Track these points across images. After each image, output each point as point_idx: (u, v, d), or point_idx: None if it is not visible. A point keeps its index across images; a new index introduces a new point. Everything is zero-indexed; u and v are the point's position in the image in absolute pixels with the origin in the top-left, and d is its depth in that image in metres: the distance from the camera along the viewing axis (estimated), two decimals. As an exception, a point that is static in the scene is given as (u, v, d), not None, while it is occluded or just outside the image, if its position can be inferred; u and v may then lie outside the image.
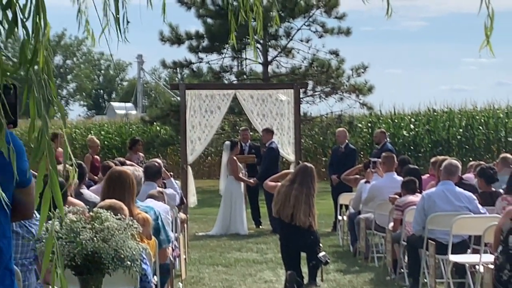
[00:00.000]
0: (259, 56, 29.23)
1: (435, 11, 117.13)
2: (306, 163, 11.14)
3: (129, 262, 4.52)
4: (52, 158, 2.77)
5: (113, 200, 5.85)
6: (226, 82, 29.08)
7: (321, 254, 10.27)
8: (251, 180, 16.43)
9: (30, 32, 2.75)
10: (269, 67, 29.70)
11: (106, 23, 3.40)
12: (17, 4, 2.68)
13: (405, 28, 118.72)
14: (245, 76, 29.97)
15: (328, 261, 10.45)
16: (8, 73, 2.85)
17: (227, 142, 16.81)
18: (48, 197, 2.77)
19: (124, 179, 6.62)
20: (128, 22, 3.41)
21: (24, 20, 2.74)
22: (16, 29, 2.74)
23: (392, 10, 3.99)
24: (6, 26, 2.73)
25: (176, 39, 29.16)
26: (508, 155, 13.14)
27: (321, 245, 10.49)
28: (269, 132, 16.76)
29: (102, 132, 37.94)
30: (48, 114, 2.83)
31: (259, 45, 28.80)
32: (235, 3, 4.58)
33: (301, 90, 20.07)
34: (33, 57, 2.77)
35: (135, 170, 7.64)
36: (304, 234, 10.14)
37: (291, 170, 12.83)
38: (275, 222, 16.02)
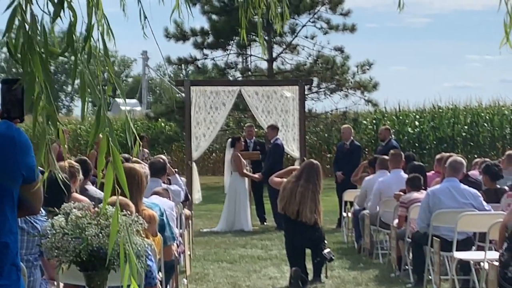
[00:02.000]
0: (264, 52, 29.22)
1: (439, 8, 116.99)
2: (312, 159, 11.13)
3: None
4: (113, 136, 2.77)
5: (119, 197, 5.86)
6: (231, 78, 29.07)
7: (326, 251, 10.27)
8: (256, 175, 16.44)
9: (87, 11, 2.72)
10: (274, 64, 29.69)
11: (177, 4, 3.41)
12: None
13: (409, 25, 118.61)
14: (250, 73, 29.97)
15: (333, 258, 10.45)
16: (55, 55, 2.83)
17: (229, 140, 16.84)
18: (111, 175, 2.76)
19: (133, 176, 6.64)
20: (145, 17, 3.41)
21: (70, 1, 2.71)
22: (62, 12, 2.72)
23: (403, 4, 3.99)
24: (52, 9, 2.71)
25: (181, 35, 29.16)
26: (513, 152, 13.12)
27: (326, 242, 10.49)
28: (274, 128, 16.77)
29: (107, 129, 37.86)
30: (105, 93, 2.82)
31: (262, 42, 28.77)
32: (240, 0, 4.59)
33: (306, 87, 20.08)
34: (87, 34, 2.74)
35: (141, 167, 7.65)
36: (309, 231, 10.14)
37: (297, 166, 12.80)
38: (280, 219, 16.05)
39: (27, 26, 2.74)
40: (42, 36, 2.75)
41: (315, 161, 10.64)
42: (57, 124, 2.84)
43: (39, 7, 2.75)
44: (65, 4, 2.73)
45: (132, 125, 2.91)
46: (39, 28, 2.75)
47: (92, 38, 2.80)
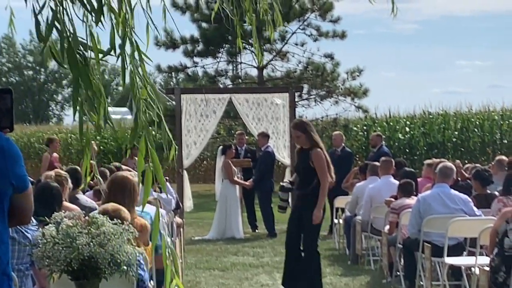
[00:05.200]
0: (254, 60, 29.29)
1: (427, 14, 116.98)
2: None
3: (125, 267, 4.53)
4: (151, 138, 2.86)
5: (113, 204, 5.89)
6: (221, 86, 29.09)
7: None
8: (247, 183, 16.44)
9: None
10: (264, 71, 29.72)
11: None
12: None
13: (398, 31, 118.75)
14: (240, 80, 29.99)
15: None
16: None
17: (220, 147, 16.85)
18: (150, 176, 2.82)
19: (125, 184, 6.65)
20: (154, 26, 3.43)
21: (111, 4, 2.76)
22: (102, 17, 2.76)
23: (397, 9, 4.02)
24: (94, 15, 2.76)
25: (171, 43, 29.18)
26: (503, 157, 13.20)
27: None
28: (264, 136, 16.77)
29: (98, 137, 37.89)
30: (140, 95, 2.90)
31: (254, 49, 28.84)
32: (231, 7, 4.61)
33: (296, 94, 20.10)
34: (123, 41, 2.79)
35: (132, 175, 7.65)
36: None
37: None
38: (272, 226, 16.07)
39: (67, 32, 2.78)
40: (88, 40, 2.80)
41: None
42: (100, 128, 2.94)
43: (75, 15, 2.79)
44: (105, 8, 2.79)
45: (168, 132, 3.02)
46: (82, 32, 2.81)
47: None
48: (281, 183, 10.23)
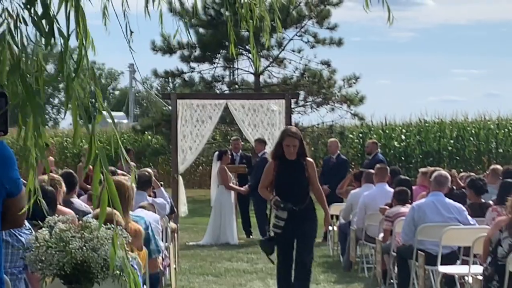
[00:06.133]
0: (251, 66, 29.29)
1: (423, 22, 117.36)
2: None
3: (118, 271, 4.53)
4: (105, 162, 2.83)
5: (108, 208, 5.89)
6: (217, 92, 29.09)
7: None
8: (243, 188, 16.43)
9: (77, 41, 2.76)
10: (261, 77, 29.72)
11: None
12: (54, 16, 2.70)
13: (394, 39, 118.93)
14: (236, 86, 30.00)
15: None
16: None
17: (216, 153, 16.84)
18: (105, 199, 2.82)
19: (119, 189, 6.64)
20: (132, 32, 3.43)
21: (61, 29, 2.75)
22: (53, 40, 2.76)
23: (393, 18, 4.03)
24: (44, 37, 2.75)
25: (168, 48, 29.18)
26: (498, 166, 13.22)
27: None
28: (261, 142, 16.76)
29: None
30: (94, 120, 2.90)
31: (250, 55, 28.85)
32: (227, 13, 4.62)
33: (293, 100, 20.07)
34: (78, 65, 2.80)
35: (126, 180, 7.65)
36: None
37: None
38: (265, 232, 16.04)
39: (16, 51, 2.77)
40: (33, 64, 2.79)
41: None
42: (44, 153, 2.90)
43: (28, 37, 2.78)
44: (56, 32, 2.77)
45: (121, 143, 2.97)
46: (26, 55, 2.79)
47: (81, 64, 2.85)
48: (277, 201, 9.83)
